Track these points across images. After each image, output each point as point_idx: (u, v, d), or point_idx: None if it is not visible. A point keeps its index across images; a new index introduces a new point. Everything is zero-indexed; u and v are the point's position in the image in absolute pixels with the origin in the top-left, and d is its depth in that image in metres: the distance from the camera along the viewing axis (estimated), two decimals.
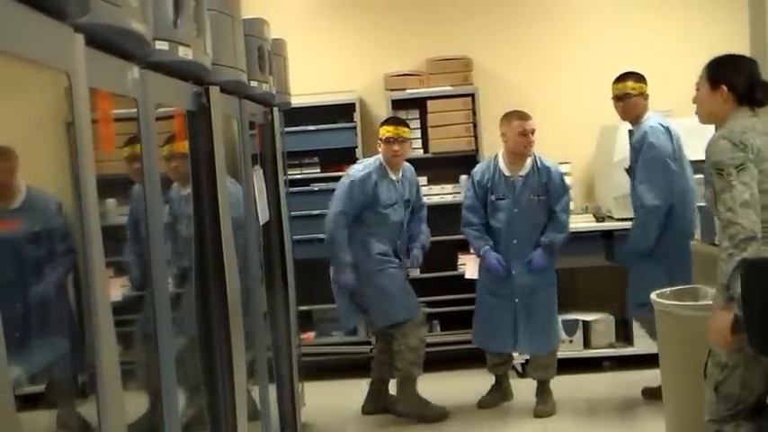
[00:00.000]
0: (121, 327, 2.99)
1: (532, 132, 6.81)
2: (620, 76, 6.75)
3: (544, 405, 6.88)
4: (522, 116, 6.86)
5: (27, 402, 2.61)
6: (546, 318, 6.91)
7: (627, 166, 6.82)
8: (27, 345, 2.42)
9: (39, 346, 2.48)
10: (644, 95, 6.68)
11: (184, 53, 3.12)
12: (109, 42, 2.49)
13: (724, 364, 4.34)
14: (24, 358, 2.41)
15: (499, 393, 7.13)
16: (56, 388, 2.68)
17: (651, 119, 6.64)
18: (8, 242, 2.48)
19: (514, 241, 6.86)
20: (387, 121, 7.03)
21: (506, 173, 6.91)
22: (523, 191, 6.86)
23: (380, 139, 6.87)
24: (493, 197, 6.93)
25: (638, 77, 6.71)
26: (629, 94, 6.65)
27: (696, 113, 4.65)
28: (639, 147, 6.56)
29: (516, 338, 6.94)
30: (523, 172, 6.88)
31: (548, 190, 6.86)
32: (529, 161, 6.89)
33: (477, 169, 7.08)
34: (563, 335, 7.53)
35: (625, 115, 6.78)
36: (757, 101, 4.43)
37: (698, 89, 4.56)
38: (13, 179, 2.45)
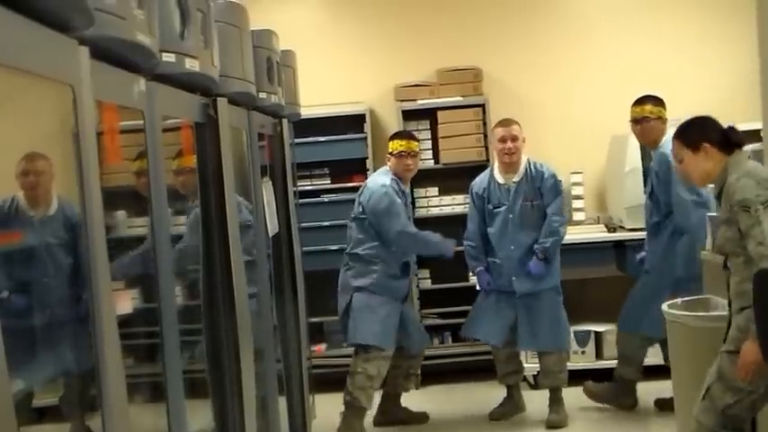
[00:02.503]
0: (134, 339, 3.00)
1: (513, 139, 6.83)
2: (639, 99, 6.73)
3: (556, 415, 6.85)
4: (503, 123, 6.94)
5: (40, 415, 2.60)
6: (549, 317, 6.87)
7: (648, 191, 6.76)
8: (53, 351, 2.43)
9: (58, 354, 2.49)
10: (662, 119, 6.64)
11: (191, 65, 3.11)
12: (115, 55, 2.48)
13: (739, 389, 4.34)
14: (50, 364, 2.42)
15: (511, 405, 7.09)
16: (69, 400, 2.67)
17: (668, 141, 6.54)
18: (43, 248, 2.50)
19: (512, 247, 6.88)
20: (397, 135, 7.00)
21: (500, 180, 6.96)
22: (516, 197, 6.89)
23: (391, 153, 6.84)
24: (490, 206, 6.98)
25: (658, 101, 6.68)
26: (647, 118, 6.63)
27: (691, 183, 5.00)
28: (664, 170, 6.47)
29: (507, 334, 6.94)
30: (517, 178, 6.92)
31: (541, 194, 6.87)
32: (522, 167, 6.92)
33: (476, 181, 7.15)
34: (575, 345, 7.52)
35: (642, 138, 6.79)
36: (737, 143, 4.57)
37: (680, 161, 4.72)
38: (51, 186, 2.46)
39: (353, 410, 6.72)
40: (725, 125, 4.64)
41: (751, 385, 4.30)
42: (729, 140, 4.55)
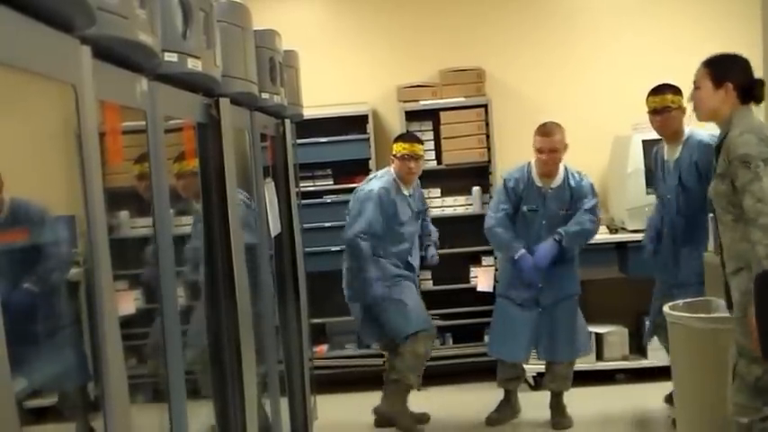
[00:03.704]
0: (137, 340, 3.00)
1: (552, 151, 6.65)
2: (657, 88, 6.45)
3: (562, 417, 6.86)
4: (545, 132, 6.71)
5: (40, 415, 2.60)
6: (569, 326, 6.85)
7: (681, 182, 6.38)
8: (24, 356, 2.41)
9: (37, 357, 2.47)
10: (682, 109, 6.33)
11: (194, 65, 3.10)
12: (117, 54, 2.48)
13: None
14: (18, 369, 2.41)
15: (508, 409, 7.08)
16: (65, 401, 2.67)
17: (696, 132, 6.36)
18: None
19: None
20: (401, 138, 7.00)
21: (538, 183, 6.83)
22: (552, 204, 6.79)
23: (394, 156, 6.84)
24: (525, 208, 6.82)
25: (676, 90, 6.39)
26: (668, 108, 6.34)
27: (694, 111, 4.73)
28: (706, 160, 6.07)
29: (532, 349, 6.94)
30: (555, 184, 6.80)
31: (576, 200, 6.76)
32: (561, 174, 6.81)
33: (510, 176, 6.91)
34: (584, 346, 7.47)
35: (663, 130, 6.45)
36: (756, 97, 4.52)
37: (697, 87, 4.62)
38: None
39: (399, 388, 6.80)
40: (756, 77, 4.57)
41: None
42: (751, 92, 4.49)
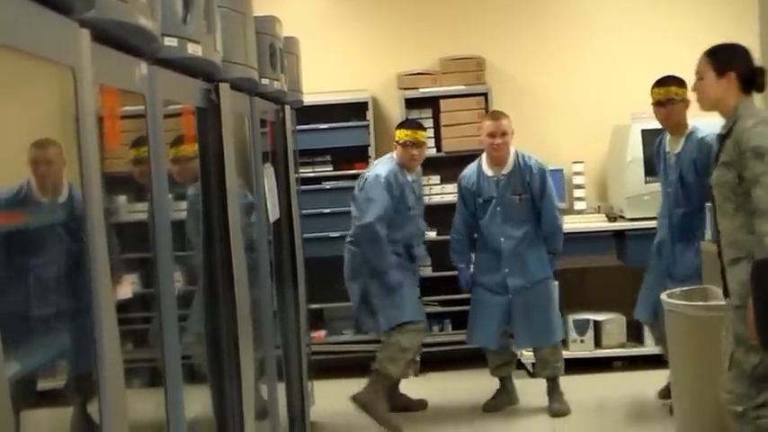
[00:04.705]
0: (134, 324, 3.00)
1: (503, 134, 6.75)
2: (662, 80, 6.43)
3: (559, 404, 6.84)
4: (493, 116, 6.88)
5: (41, 398, 2.60)
6: (542, 312, 6.86)
7: (676, 179, 6.35)
8: (55, 336, 2.43)
9: (62, 339, 2.49)
10: (686, 101, 6.29)
11: (194, 50, 3.11)
12: (116, 38, 2.48)
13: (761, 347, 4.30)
14: (55, 348, 2.42)
15: (505, 397, 7.07)
16: (71, 386, 2.68)
17: (699, 128, 6.28)
18: (54, 235, 2.50)
19: (501, 239, 6.84)
20: (404, 125, 6.98)
21: (489, 173, 6.91)
22: (505, 190, 6.85)
23: (397, 143, 6.82)
24: (480, 199, 6.92)
25: (681, 82, 6.31)
26: (672, 100, 6.31)
27: (698, 101, 4.73)
28: (703, 157, 6.08)
29: (501, 333, 6.95)
30: (506, 170, 6.87)
31: (531, 189, 6.84)
32: (511, 160, 6.87)
33: (463, 174, 7.08)
34: (573, 334, 7.54)
35: (667, 122, 6.42)
36: (759, 86, 4.52)
37: (700, 78, 4.61)
38: (61, 173, 2.47)
39: (380, 379, 6.69)
40: (756, 65, 4.57)
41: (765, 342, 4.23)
42: (753, 81, 4.49)
